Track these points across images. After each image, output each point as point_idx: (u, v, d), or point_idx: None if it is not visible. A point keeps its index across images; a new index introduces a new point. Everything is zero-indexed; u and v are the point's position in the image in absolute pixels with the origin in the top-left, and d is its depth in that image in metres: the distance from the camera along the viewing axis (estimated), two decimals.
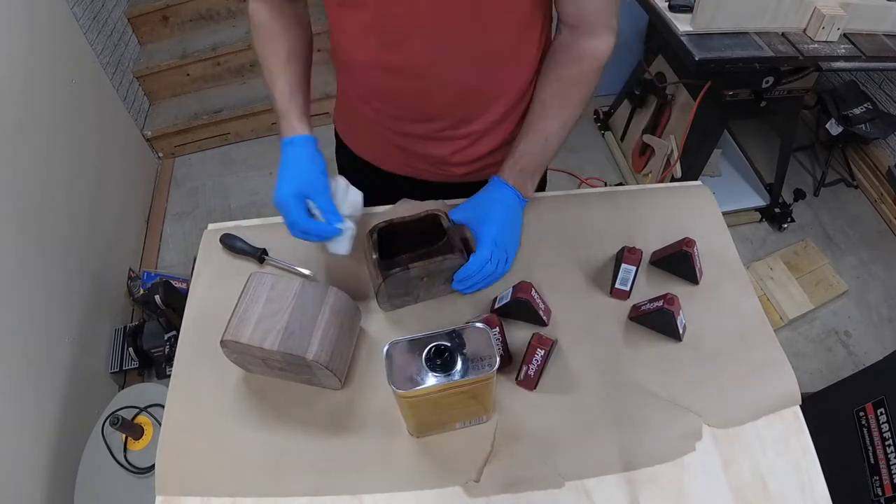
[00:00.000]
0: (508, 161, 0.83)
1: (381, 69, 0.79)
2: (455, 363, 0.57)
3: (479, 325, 0.60)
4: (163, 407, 0.75)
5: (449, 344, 0.58)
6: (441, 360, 0.57)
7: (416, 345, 0.58)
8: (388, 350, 0.58)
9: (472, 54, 0.76)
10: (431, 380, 0.57)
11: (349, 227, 0.75)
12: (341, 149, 1.04)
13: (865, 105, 2.07)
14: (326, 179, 0.76)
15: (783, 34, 1.60)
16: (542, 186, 1.07)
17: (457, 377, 0.57)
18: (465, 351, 0.58)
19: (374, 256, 0.76)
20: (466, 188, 0.90)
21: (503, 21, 0.74)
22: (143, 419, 1.42)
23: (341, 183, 0.78)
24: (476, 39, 0.74)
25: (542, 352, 0.71)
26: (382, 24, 0.74)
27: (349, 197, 0.78)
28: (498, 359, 0.58)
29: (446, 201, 0.89)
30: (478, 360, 0.58)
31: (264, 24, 0.82)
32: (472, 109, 0.84)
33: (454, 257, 0.76)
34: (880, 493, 1.18)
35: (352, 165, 1.01)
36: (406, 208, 0.87)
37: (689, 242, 0.80)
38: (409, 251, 0.75)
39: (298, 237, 0.74)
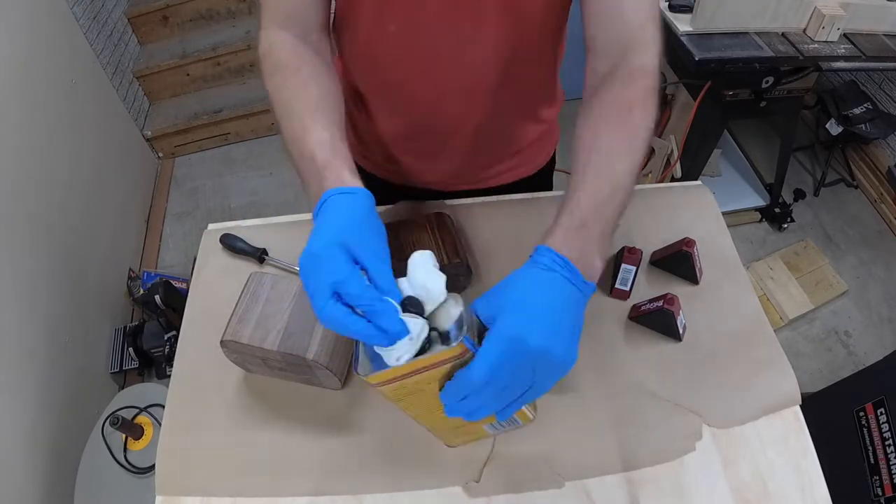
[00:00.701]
0: (562, 216, 0.55)
1: (404, 95, 0.79)
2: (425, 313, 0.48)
3: (454, 294, 0.50)
4: (163, 407, 0.75)
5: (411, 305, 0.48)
6: (415, 309, 0.47)
7: None
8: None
9: (495, 108, 0.76)
10: (394, 357, 0.46)
11: (418, 324, 0.48)
12: None
13: (865, 105, 2.07)
14: (387, 249, 0.52)
15: (783, 34, 1.60)
16: (547, 186, 1.07)
17: (425, 352, 0.47)
18: (434, 327, 0.49)
19: None
20: (485, 193, 0.90)
21: (529, 74, 0.73)
22: (143, 419, 1.42)
23: (419, 262, 0.50)
24: (500, 95, 0.74)
25: None
26: (409, 52, 0.72)
27: (429, 285, 0.50)
28: (466, 328, 0.47)
29: (445, 201, 0.89)
30: (454, 334, 0.48)
31: (285, 62, 0.65)
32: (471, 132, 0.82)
33: (459, 263, 0.74)
34: (880, 493, 1.18)
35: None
36: (406, 209, 0.87)
37: (689, 242, 0.80)
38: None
39: (329, 324, 0.47)
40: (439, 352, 0.47)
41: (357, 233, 0.50)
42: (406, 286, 0.50)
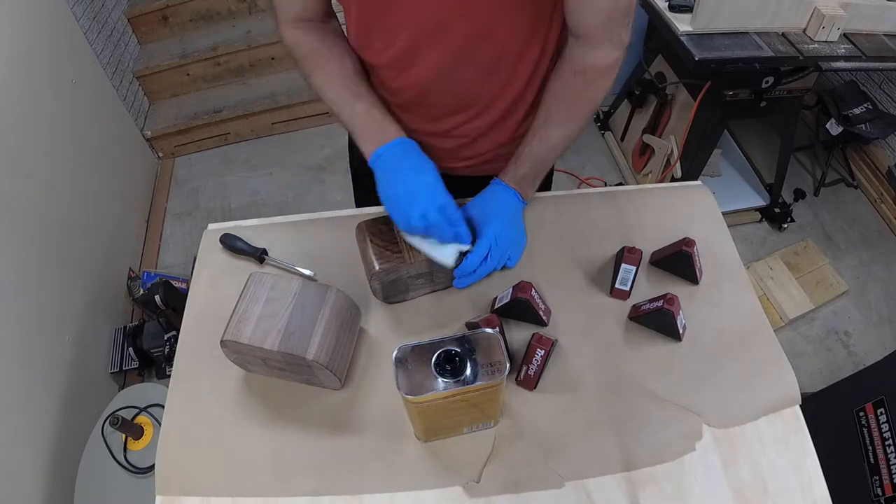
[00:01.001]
0: (511, 165, 0.84)
1: (385, 69, 0.81)
2: (465, 369, 0.57)
3: (489, 330, 0.60)
4: (163, 407, 0.75)
5: (459, 349, 0.58)
6: (451, 366, 0.57)
7: (425, 350, 0.58)
8: (397, 356, 0.58)
9: (474, 59, 0.76)
10: (441, 385, 0.56)
11: (466, 248, 0.78)
12: (354, 148, 1.05)
13: (865, 105, 2.07)
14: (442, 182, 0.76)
15: (783, 34, 1.60)
16: (546, 185, 1.07)
17: (466, 383, 0.57)
18: (474, 357, 0.58)
19: (370, 250, 0.76)
20: (466, 183, 0.90)
21: (507, 27, 0.73)
22: (143, 419, 1.42)
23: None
24: (479, 45, 0.74)
25: (542, 352, 0.71)
26: (388, 32, 0.74)
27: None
28: (508, 364, 0.58)
29: None
30: (487, 366, 0.57)
31: (314, 47, 0.80)
32: (473, 110, 0.84)
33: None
34: (880, 493, 1.18)
35: (363, 165, 1.00)
36: None
37: (689, 242, 0.80)
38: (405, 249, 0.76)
39: (437, 224, 0.72)
40: (482, 384, 0.58)
41: (426, 176, 0.75)
42: None
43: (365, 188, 0.82)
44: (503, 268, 0.85)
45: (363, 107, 0.78)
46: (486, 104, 0.84)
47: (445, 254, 0.75)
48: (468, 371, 0.57)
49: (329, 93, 0.80)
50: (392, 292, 0.80)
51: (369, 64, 0.83)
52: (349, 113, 0.79)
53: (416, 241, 0.75)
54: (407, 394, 0.56)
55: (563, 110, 0.80)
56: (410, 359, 0.58)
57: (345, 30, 0.85)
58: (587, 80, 0.77)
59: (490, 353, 0.58)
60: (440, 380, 0.57)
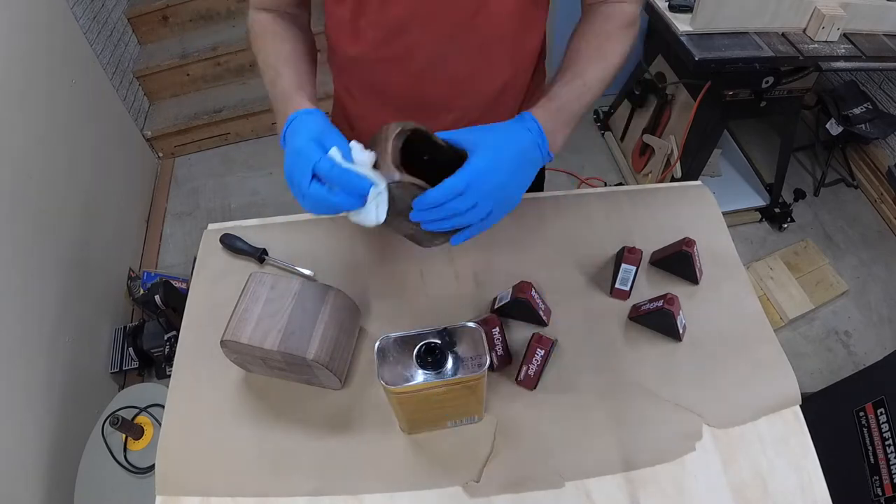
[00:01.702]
0: (543, 99, 0.69)
1: (378, 61, 0.80)
2: (445, 362, 0.57)
3: (470, 324, 0.60)
4: (163, 407, 0.75)
5: (440, 342, 0.58)
6: (431, 358, 0.57)
7: (407, 342, 0.58)
8: (379, 345, 0.58)
9: (468, 43, 0.76)
10: (421, 377, 0.57)
11: (382, 185, 0.60)
12: None
13: (865, 105, 2.07)
14: (345, 140, 0.63)
15: (783, 34, 1.60)
16: (539, 185, 1.07)
17: (446, 376, 0.57)
18: (456, 350, 0.58)
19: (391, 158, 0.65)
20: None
21: (501, 8, 0.74)
22: (143, 419, 1.42)
23: (356, 147, 0.62)
24: (473, 28, 0.75)
25: (542, 352, 0.71)
26: (379, 16, 0.74)
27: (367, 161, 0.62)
28: (488, 358, 0.58)
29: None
30: (468, 360, 0.58)
31: (265, 28, 0.79)
32: (468, 97, 0.83)
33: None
34: (880, 493, 1.18)
35: None
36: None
37: (689, 242, 0.80)
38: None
39: (314, 205, 0.60)
40: (463, 377, 0.56)
41: (323, 132, 0.63)
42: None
43: None
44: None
45: (284, 82, 0.71)
46: (480, 93, 0.83)
47: (365, 211, 0.60)
48: (449, 364, 0.57)
49: (267, 65, 0.75)
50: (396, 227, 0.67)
51: (358, 57, 0.81)
52: (273, 87, 0.73)
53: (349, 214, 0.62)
54: (387, 384, 0.57)
55: (595, 50, 0.73)
56: (392, 350, 0.58)
57: (330, 26, 0.83)
58: (617, 24, 0.74)
59: (471, 346, 0.58)
60: (421, 371, 0.57)
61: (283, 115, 0.69)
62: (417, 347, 0.58)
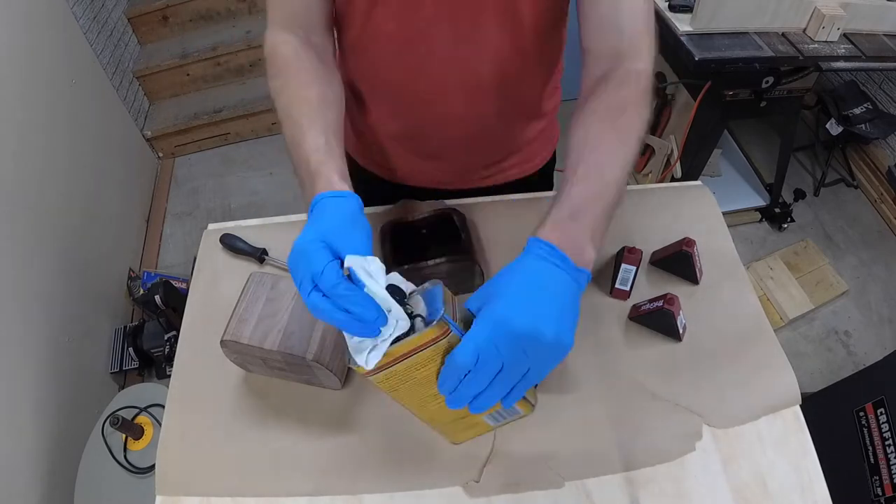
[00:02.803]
0: (553, 209, 0.55)
1: (394, 56, 0.76)
2: (413, 316, 0.49)
3: (426, 284, 0.51)
4: (163, 407, 0.75)
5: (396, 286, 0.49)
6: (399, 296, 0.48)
7: None
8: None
9: (494, 108, 0.77)
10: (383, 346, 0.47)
11: (401, 316, 0.48)
12: (352, 164, 1.05)
13: (865, 105, 2.07)
14: (370, 246, 0.52)
15: (783, 34, 1.60)
16: (548, 185, 1.07)
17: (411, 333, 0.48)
18: (418, 313, 0.49)
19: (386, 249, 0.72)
20: (485, 192, 0.90)
21: (527, 74, 0.75)
22: (143, 419, 1.42)
23: (376, 267, 0.50)
24: (498, 94, 0.76)
25: None
26: (408, 52, 0.73)
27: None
28: (452, 308, 0.48)
29: (445, 201, 0.89)
30: (432, 317, 0.48)
31: (287, 63, 0.67)
32: (484, 107, 0.81)
33: (466, 262, 0.73)
34: (880, 493, 1.18)
35: (355, 177, 1.00)
36: (409, 208, 0.87)
37: (689, 242, 0.80)
38: (419, 252, 0.73)
39: (315, 313, 0.49)
40: (418, 335, 0.47)
41: (340, 230, 0.51)
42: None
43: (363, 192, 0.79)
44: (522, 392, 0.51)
45: (309, 146, 0.60)
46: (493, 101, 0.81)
47: (357, 349, 0.49)
48: (410, 324, 0.48)
49: (290, 113, 0.64)
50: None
51: (383, 89, 0.80)
52: (297, 148, 0.61)
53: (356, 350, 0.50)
54: (354, 366, 0.49)
55: (607, 127, 0.60)
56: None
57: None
58: (635, 90, 0.63)
59: (433, 304, 0.49)
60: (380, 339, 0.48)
61: (307, 186, 0.58)
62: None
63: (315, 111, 0.63)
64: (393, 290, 0.49)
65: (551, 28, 0.76)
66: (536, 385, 0.53)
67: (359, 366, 0.49)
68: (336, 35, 0.80)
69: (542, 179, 1.02)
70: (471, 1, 0.69)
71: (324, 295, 0.48)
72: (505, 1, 0.69)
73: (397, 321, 0.48)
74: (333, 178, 0.57)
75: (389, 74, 0.78)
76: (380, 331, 0.48)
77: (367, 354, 0.48)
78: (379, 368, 0.49)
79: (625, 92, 0.62)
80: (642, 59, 0.65)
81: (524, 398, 0.54)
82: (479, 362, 0.47)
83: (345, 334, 0.49)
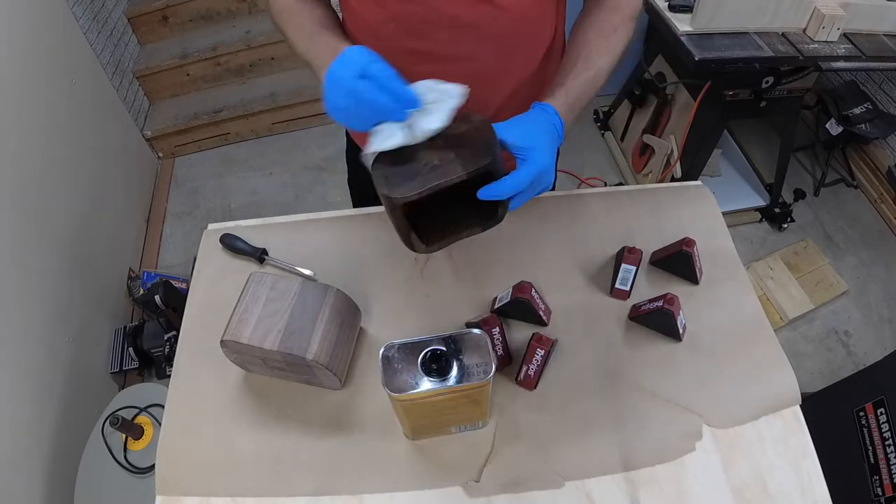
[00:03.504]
0: (559, 90, 0.74)
1: (400, 55, 0.77)
2: (450, 369, 0.57)
3: (476, 331, 0.60)
4: (163, 407, 0.75)
5: (445, 349, 0.58)
6: (437, 366, 0.57)
7: (412, 348, 0.59)
8: (383, 353, 0.59)
9: (488, 37, 0.79)
10: (426, 384, 0.57)
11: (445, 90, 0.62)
12: (352, 147, 1.05)
13: (865, 105, 2.07)
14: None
15: (783, 34, 1.60)
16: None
17: (451, 383, 0.57)
18: (461, 357, 0.58)
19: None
20: None
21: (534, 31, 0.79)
22: (143, 419, 1.42)
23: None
24: (493, 24, 0.77)
25: (542, 352, 0.71)
26: (403, 15, 0.76)
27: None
28: (494, 366, 0.58)
29: None
30: (473, 367, 0.58)
31: (290, 5, 0.79)
32: (488, 89, 0.84)
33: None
34: (880, 493, 1.18)
35: (355, 158, 1.02)
36: None
37: (689, 242, 0.80)
38: None
39: (355, 102, 0.60)
40: (468, 384, 0.57)
41: (369, 58, 0.62)
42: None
43: (363, 193, 0.81)
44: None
45: (323, 38, 0.74)
46: (499, 84, 0.84)
47: (385, 136, 0.61)
48: (454, 371, 0.57)
49: (301, 34, 0.77)
50: (398, 178, 0.62)
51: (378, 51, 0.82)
52: (307, 45, 0.75)
53: (383, 137, 0.62)
54: (392, 391, 0.57)
55: (603, 41, 0.77)
56: (397, 357, 0.58)
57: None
58: (623, 16, 0.78)
59: (477, 354, 0.58)
60: (426, 379, 0.57)
61: (327, 56, 0.65)
62: (422, 354, 0.58)
63: (321, 25, 0.77)
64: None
65: None
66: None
67: (404, 393, 0.57)
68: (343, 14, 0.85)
69: None
70: None
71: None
72: None
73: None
74: (347, 45, 0.67)
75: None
76: (406, 113, 0.61)
77: (401, 134, 0.61)
78: (416, 398, 0.58)
79: (616, 17, 0.78)
80: None
81: (483, 412, 0.67)
82: (531, 183, 0.65)
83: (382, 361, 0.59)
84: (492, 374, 0.57)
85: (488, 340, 0.59)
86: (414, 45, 0.79)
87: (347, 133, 1.05)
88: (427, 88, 0.62)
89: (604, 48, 0.77)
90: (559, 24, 0.86)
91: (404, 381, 0.57)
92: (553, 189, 0.80)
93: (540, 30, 0.83)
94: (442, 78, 0.79)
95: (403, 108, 0.61)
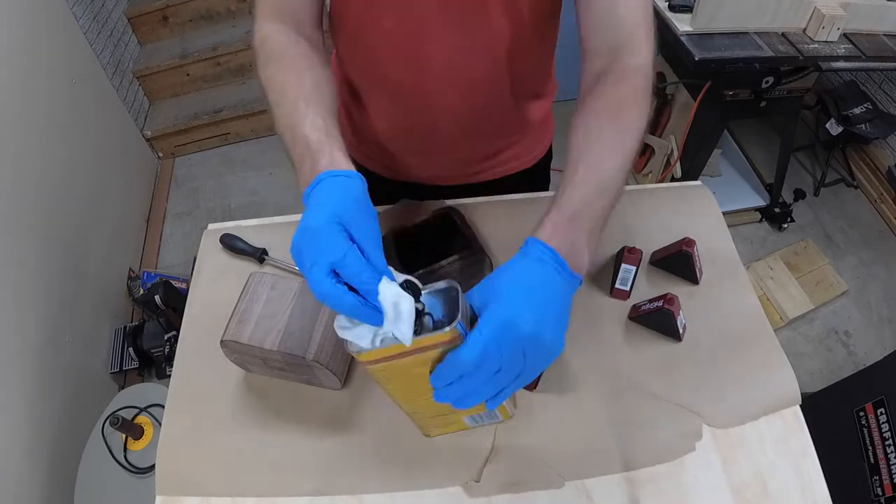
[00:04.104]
0: (553, 210, 0.56)
1: (403, 90, 0.79)
2: (422, 314, 0.48)
3: (442, 283, 0.51)
4: (163, 407, 0.75)
5: (418, 283, 0.49)
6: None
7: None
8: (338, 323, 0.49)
9: (491, 100, 0.78)
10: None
11: (405, 301, 0.47)
12: None
13: (865, 105, 2.07)
14: (379, 230, 0.52)
15: (783, 34, 1.60)
16: (545, 180, 1.07)
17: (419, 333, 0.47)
18: (428, 312, 0.49)
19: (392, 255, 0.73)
20: (485, 188, 0.90)
21: (524, 65, 0.76)
22: (143, 419, 1.42)
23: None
24: (495, 87, 0.76)
25: None
26: (406, 46, 0.73)
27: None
28: (461, 318, 0.47)
29: (445, 201, 0.89)
30: (443, 321, 0.49)
31: (284, 48, 0.66)
32: (476, 98, 0.81)
33: (477, 255, 0.72)
34: (880, 493, 1.18)
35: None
36: (408, 209, 0.87)
37: (689, 242, 0.80)
38: (424, 255, 0.73)
39: (324, 299, 0.47)
40: (431, 336, 0.47)
41: (354, 213, 0.50)
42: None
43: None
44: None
45: (317, 119, 0.58)
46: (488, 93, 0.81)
47: (357, 335, 0.49)
48: (425, 321, 0.48)
49: (285, 98, 0.61)
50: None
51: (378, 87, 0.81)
52: (293, 130, 0.58)
53: (351, 335, 0.49)
54: (353, 353, 0.49)
55: (606, 127, 0.60)
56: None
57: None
58: (635, 85, 0.63)
59: (447, 307, 0.50)
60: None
61: (307, 164, 0.55)
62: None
63: (312, 95, 0.61)
64: (408, 284, 0.48)
65: (548, 16, 0.77)
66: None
67: (361, 350, 0.48)
68: (333, 34, 0.81)
69: (541, 174, 1.03)
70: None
71: (337, 281, 0.47)
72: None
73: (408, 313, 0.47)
74: (337, 154, 0.55)
75: (388, 70, 0.78)
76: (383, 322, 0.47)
77: (371, 339, 0.48)
78: (380, 359, 0.49)
79: (624, 88, 0.62)
80: (641, 53, 0.64)
81: (504, 404, 0.56)
82: (483, 363, 0.47)
83: (338, 317, 0.48)
84: (456, 322, 0.46)
85: (459, 290, 0.49)
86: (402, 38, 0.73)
87: None
88: (398, 296, 0.47)
89: (610, 140, 0.59)
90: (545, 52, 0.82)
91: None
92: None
93: (538, 43, 0.78)
94: (431, 83, 0.78)
95: (370, 321, 0.47)
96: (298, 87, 0.61)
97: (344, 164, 0.55)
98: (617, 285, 0.81)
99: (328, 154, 0.55)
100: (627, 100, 0.61)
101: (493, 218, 0.89)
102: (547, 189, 1.08)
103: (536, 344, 0.49)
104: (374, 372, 0.52)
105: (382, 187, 0.94)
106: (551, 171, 1.06)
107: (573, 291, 0.54)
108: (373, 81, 0.82)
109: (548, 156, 1.03)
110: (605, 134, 0.59)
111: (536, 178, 1.02)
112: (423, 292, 0.50)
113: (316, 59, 0.67)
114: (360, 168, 0.96)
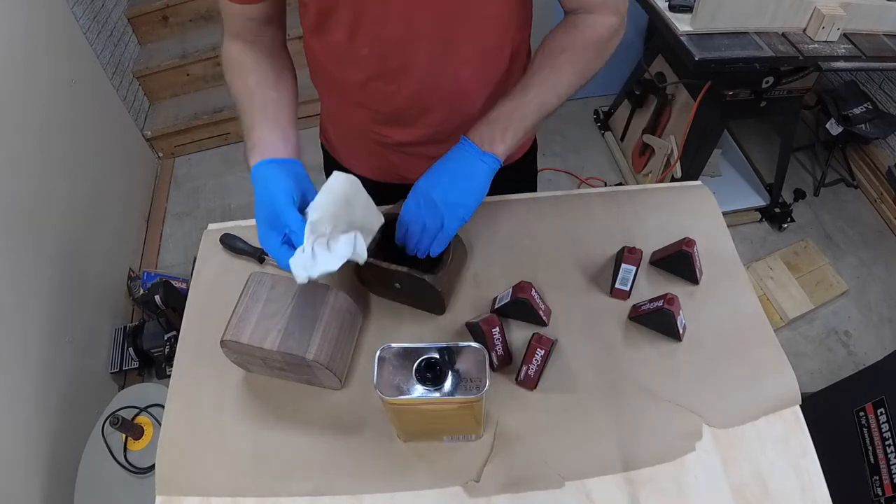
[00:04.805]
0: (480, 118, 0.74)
1: (376, 80, 0.80)
2: (444, 379, 0.57)
3: (474, 344, 0.59)
4: (163, 407, 0.75)
5: (439, 358, 0.58)
6: (431, 374, 0.57)
7: (408, 354, 0.58)
8: (379, 354, 0.58)
9: (463, 54, 0.78)
10: (418, 391, 0.57)
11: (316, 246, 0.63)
12: (329, 162, 1.05)
13: (865, 105, 2.07)
14: (289, 197, 0.65)
15: (783, 34, 1.60)
16: (532, 185, 1.08)
17: (443, 393, 0.57)
18: (456, 368, 0.58)
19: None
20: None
21: (484, 19, 0.76)
22: (143, 419, 1.42)
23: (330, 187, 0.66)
24: (467, 38, 0.76)
25: (542, 352, 0.71)
26: (377, 34, 0.74)
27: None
28: (487, 383, 0.57)
29: None
30: (468, 381, 0.57)
31: (241, 61, 0.78)
32: (455, 105, 0.83)
33: (426, 284, 0.74)
34: (880, 493, 1.18)
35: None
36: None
37: (689, 242, 0.80)
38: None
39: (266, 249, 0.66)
40: (465, 397, 0.57)
41: (270, 207, 0.65)
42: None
43: None
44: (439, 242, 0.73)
45: (264, 114, 0.75)
46: (462, 99, 0.83)
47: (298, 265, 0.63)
48: (448, 382, 0.57)
49: (241, 112, 0.78)
50: (376, 290, 0.82)
51: (347, 80, 0.82)
52: (249, 116, 0.76)
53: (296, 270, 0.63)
54: (383, 394, 0.57)
55: (548, 64, 0.74)
56: (392, 360, 0.58)
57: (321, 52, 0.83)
58: (580, 36, 0.75)
59: (473, 367, 0.58)
60: (418, 386, 0.57)
61: (249, 153, 0.71)
62: (417, 362, 0.58)
63: (251, 90, 0.77)
64: (431, 363, 0.58)
65: (522, 21, 0.80)
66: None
67: (396, 398, 0.57)
68: (311, 39, 0.82)
69: (527, 169, 1.06)
70: (439, 13, 0.71)
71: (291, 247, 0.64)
72: (468, 6, 0.72)
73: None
74: (269, 148, 0.69)
75: (373, 92, 0.81)
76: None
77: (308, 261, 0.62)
78: (406, 404, 0.58)
79: (570, 37, 0.75)
80: (600, 14, 0.74)
81: (476, 424, 0.66)
82: (413, 220, 0.71)
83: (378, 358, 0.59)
84: (484, 390, 0.57)
85: (486, 355, 0.59)
86: (385, 69, 0.78)
87: (323, 146, 1.06)
88: (329, 214, 0.64)
89: (546, 71, 0.73)
90: (520, 46, 0.84)
91: (396, 386, 0.57)
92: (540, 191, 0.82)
93: (505, 44, 0.80)
94: (415, 97, 0.80)
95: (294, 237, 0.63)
96: (248, 97, 0.78)
97: (278, 151, 0.70)
98: (617, 285, 0.81)
99: (261, 149, 0.70)
100: (569, 48, 0.74)
101: (493, 218, 0.89)
102: (534, 182, 1.10)
103: (447, 203, 0.70)
104: (393, 406, 0.59)
105: (380, 192, 0.95)
106: (546, 172, 1.08)
107: (485, 164, 0.71)
108: (358, 101, 0.85)
109: (532, 148, 1.05)
110: (543, 69, 0.74)
111: (524, 171, 1.04)
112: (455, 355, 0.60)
113: (264, 60, 0.79)
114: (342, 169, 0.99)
